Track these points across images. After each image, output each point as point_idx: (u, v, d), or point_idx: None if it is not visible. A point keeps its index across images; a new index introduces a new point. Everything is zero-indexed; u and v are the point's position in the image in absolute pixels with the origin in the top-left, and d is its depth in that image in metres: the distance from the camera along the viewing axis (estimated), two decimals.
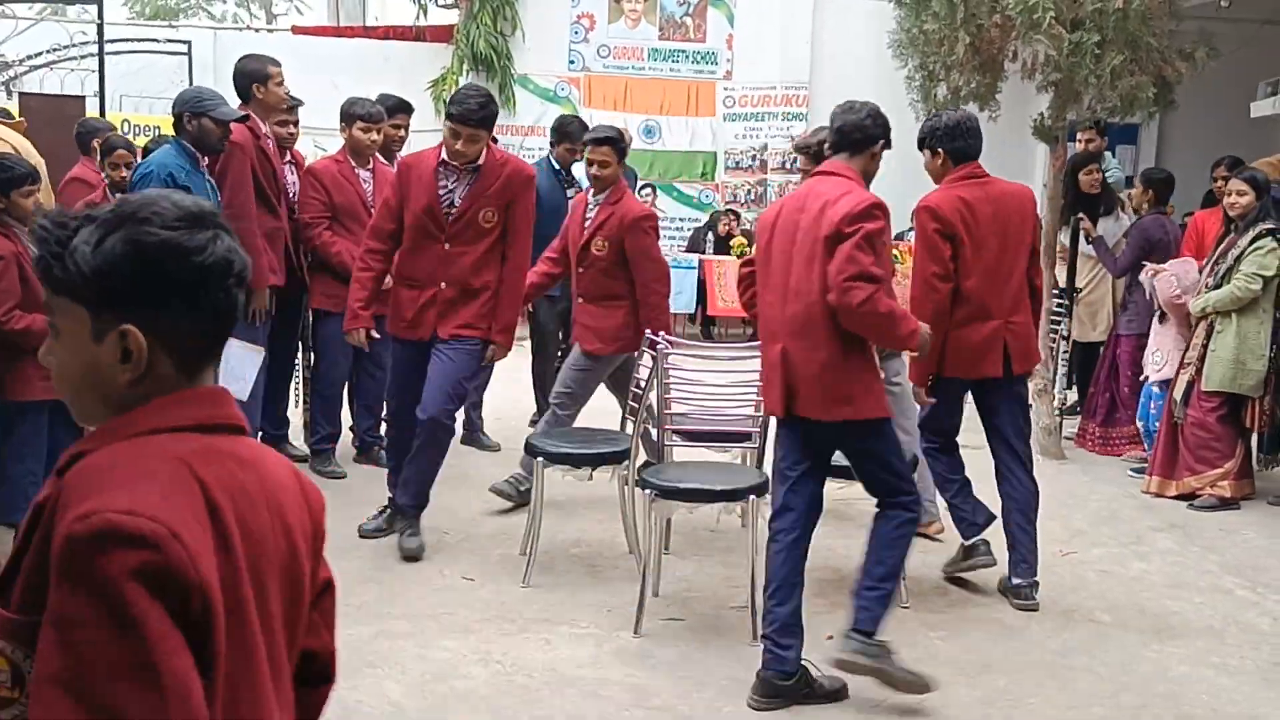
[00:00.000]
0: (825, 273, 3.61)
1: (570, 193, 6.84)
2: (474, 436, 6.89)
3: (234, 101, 5.62)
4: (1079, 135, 8.22)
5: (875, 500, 3.91)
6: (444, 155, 4.91)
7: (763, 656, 3.76)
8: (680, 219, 12.92)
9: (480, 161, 4.89)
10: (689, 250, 12.38)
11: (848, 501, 5.80)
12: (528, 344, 7.25)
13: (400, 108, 6.53)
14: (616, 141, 5.57)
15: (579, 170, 7.09)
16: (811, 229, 3.67)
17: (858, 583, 3.82)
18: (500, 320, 5.01)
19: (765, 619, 3.81)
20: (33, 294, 4.60)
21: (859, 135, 3.83)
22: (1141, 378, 6.80)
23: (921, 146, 4.73)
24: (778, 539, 3.85)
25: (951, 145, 4.59)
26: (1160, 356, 6.53)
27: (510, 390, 7.44)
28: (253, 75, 5.68)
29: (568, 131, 7.05)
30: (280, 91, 5.76)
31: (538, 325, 7.12)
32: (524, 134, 12.24)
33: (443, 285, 4.94)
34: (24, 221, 4.64)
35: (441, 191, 4.90)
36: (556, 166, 7.12)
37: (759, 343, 4.04)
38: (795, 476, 3.86)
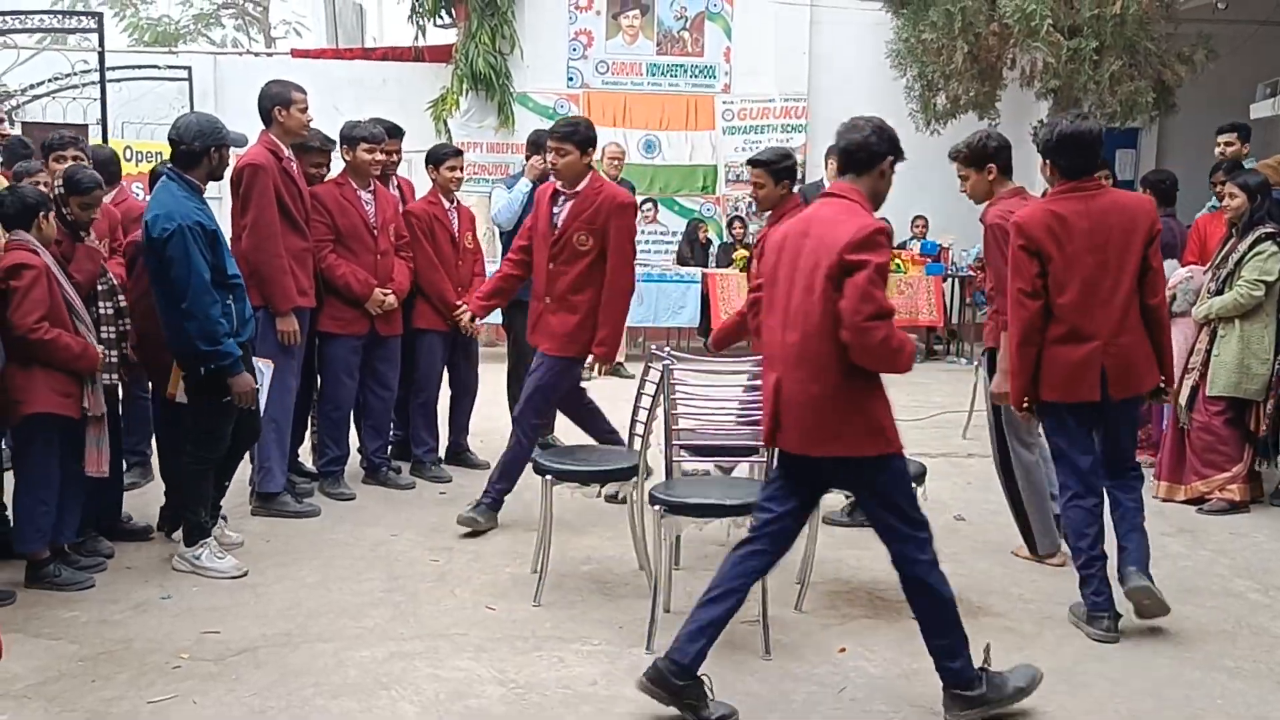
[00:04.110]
0: (825, 302, 3.51)
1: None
2: (462, 456, 6.92)
3: (254, 125, 5.71)
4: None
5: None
6: (558, 184, 5.60)
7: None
8: (681, 233, 12.96)
9: (580, 188, 5.51)
10: (679, 263, 12.40)
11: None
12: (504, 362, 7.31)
13: (393, 133, 6.57)
14: (770, 163, 5.43)
15: None
16: (812, 255, 3.57)
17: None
18: (599, 334, 5.55)
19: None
20: (57, 310, 4.65)
21: (864, 155, 3.69)
22: None
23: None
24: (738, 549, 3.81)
25: (1058, 160, 4.48)
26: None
27: (489, 409, 7.37)
28: (275, 99, 5.72)
29: (542, 144, 7.00)
30: (303, 117, 5.77)
31: (515, 338, 7.11)
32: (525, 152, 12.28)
33: (547, 300, 5.58)
34: (48, 244, 4.76)
35: (552, 215, 5.57)
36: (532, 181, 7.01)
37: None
38: (773, 504, 3.82)
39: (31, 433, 4.71)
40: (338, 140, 6.20)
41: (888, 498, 3.68)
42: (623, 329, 5.70)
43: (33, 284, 4.58)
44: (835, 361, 3.54)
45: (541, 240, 5.59)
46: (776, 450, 3.86)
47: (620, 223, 5.54)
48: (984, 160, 5.17)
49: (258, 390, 5.05)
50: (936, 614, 3.68)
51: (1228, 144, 7.36)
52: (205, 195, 5.05)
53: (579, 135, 5.51)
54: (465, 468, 6.80)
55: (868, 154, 3.69)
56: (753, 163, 5.53)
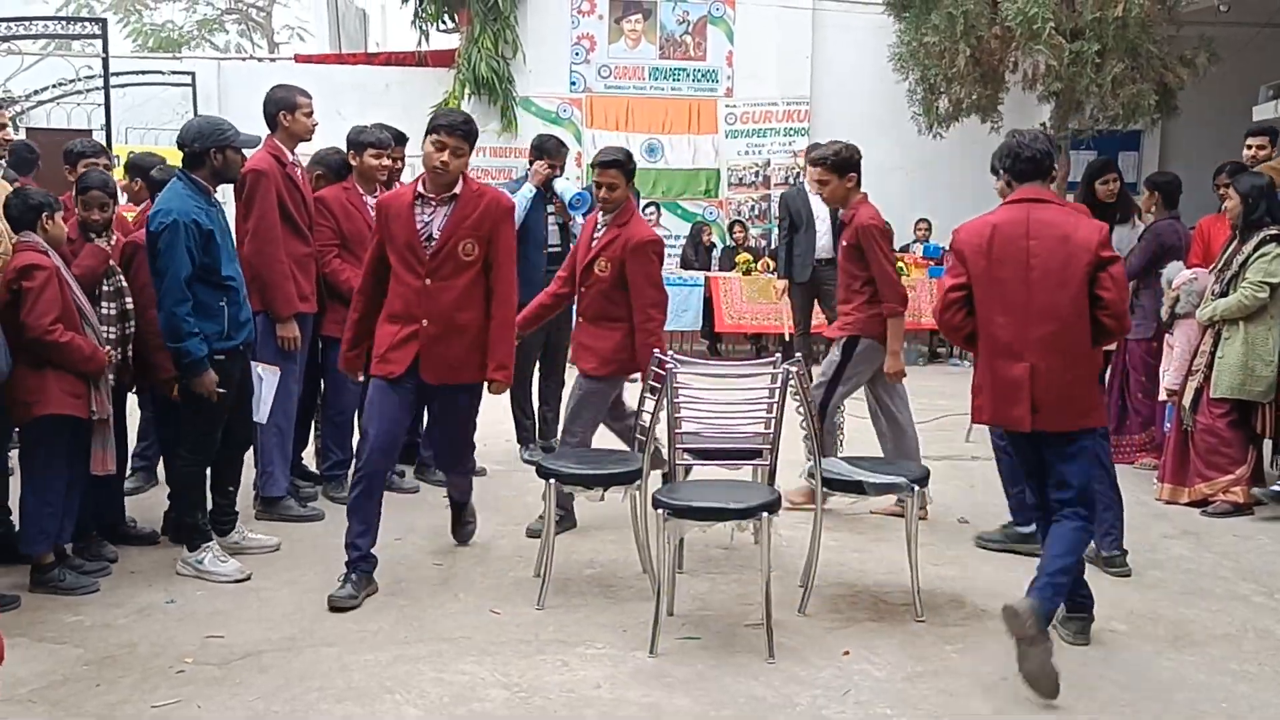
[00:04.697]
0: (1080, 295, 4.01)
1: (550, 208, 6.95)
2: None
3: (258, 130, 5.68)
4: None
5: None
6: (420, 188, 4.82)
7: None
8: (685, 236, 12.96)
9: (457, 191, 4.79)
10: (683, 266, 12.38)
11: (859, 516, 5.82)
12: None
13: (397, 139, 6.57)
14: (624, 163, 5.53)
15: (561, 185, 7.08)
16: (1058, 254, 4.02)
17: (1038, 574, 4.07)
18: (495, 358, 4.84)
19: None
20: (67, 311, 4.67)
21: (1048, 161, 4.18)
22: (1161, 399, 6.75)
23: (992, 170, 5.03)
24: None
25: (1008, 167, 4.52)
26: (1173, 377, 6.50)
27: (489, 413, 7.31)
28: (281, 103, 5.75)
29: (545, 149, 7.05)
30: (308, 121, 5.81)
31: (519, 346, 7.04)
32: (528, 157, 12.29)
33: (424, 323, 4.77)
34: (55, 245, 4.77)
35: (419, 225, 4.78)
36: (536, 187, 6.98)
37: (982, 356, 4.28)
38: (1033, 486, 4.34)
39: (40, 434, 4.72)
40: (344, 145, 6.22)
41: (1091, 463, 4.20)
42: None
43: (45, 285, 4.60)
44: (1086, 347, 4.09)
45: (408, 252, 4.77)
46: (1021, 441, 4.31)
47: (508, 228, 4.93)
48: (847, 169, 5.75)
49: (225, 393, 4.97)
50: (1075, 553, 4.13)
51: (1259, 147, 7.30)
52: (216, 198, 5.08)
53: (475, 133, 4.91)
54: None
55: (1051, 161, 4.21)
56: (606, 164, 5.50)
